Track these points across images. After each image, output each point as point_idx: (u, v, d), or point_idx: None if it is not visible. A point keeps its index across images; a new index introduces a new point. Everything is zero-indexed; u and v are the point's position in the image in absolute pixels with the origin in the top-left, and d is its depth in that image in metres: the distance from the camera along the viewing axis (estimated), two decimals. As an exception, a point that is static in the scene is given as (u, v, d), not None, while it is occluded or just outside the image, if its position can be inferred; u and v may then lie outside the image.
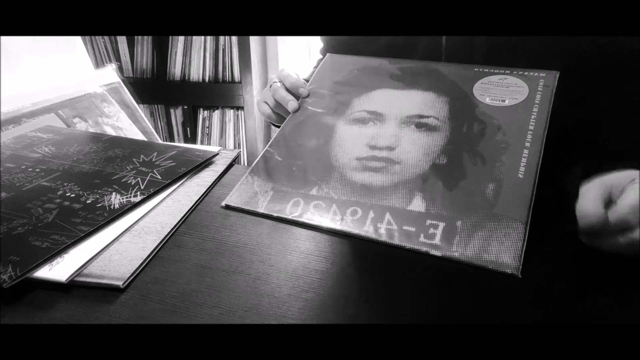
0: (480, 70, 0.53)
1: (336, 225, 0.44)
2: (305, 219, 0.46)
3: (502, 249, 0.39)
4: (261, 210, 0.48)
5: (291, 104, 0.58)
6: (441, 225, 0.42)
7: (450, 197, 0.44)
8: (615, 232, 0.37)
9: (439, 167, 0.46)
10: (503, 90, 0.50)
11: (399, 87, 0.55)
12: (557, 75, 0.50)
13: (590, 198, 0.38)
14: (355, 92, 0.56)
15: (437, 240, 0.41)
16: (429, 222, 0.42)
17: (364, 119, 0.53)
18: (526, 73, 0.51)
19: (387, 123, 0.52)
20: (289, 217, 0.46)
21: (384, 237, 0.42)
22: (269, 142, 0.55)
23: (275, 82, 0.62)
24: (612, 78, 0.57)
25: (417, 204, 0.44)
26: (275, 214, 0.47)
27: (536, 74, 0.51)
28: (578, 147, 0.57)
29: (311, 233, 0.44)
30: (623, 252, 0.37)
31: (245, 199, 0.49)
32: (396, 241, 0.42)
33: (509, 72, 0.52)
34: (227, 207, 0.49)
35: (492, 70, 0.53)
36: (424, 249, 0.41)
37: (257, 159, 0.53)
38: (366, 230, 0.43)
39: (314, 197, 0.48)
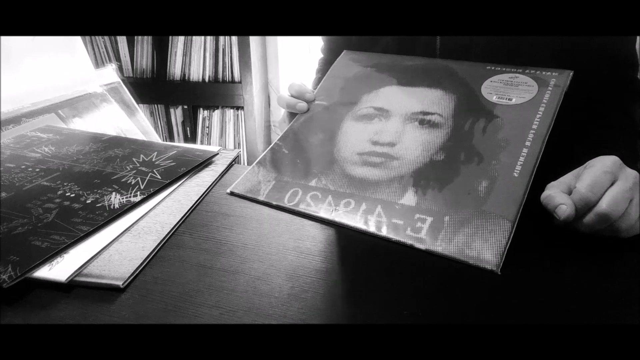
0: (492, 68, 0.53)
1: (329, 215, 0.46)
2: (301, 207, 0.47)
3: (485, 246, 0.39)
4: (261, 198, 0.50)
5: (299, 105, 0.58)
6: (429, 219, 0.42)
7: (442, 193, 0.44)
8: (581, 212, 0.40)
9: (435, 163, 0.47)
10: (512, 89, 0.50)
11: (408, 84, 0.55)
12: (571, 75, 0.49)
13: (551, 188, 0.42)
14: (365, 89, 0.57)
15: (422, 234, 0.41)
16: (417, 216, 0.43)
17: (370, 115, 0.54)
18: (538, 72, 0.51)
19: (392, 119, 0.52)
20: (287, 205, 0.48)
21: (372, 229, 0.43)
22: (279, 136, 0.57)
23: (280, 94, 0.63)
24: (609, 82, 0.58)
25: (409, 199, 0.45)
26: (274, 202, 0.49)
27: (548, 73, 0.50)
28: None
29: (311, 233, 0.44)
30: (599, 230, 0.40)
31: (249, 187, 0.51)
32: (383, 233, 0.43)
33: (520, 70, 0.51)
34: (232, 193, 0.51)
35: (503, 69, 0.52)
36: (409, 242, 0.41)
37: (266, 151, 0.55)
38: (356, 221, 0.44)
39: (312, 188, 0.49)
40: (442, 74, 0.54)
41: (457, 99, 0.51)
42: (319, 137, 0.54)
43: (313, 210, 0.47)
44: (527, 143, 0.45)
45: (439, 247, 0.40)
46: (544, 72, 0.50)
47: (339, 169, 0.50)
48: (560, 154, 0.48)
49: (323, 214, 0.46)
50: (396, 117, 0.52)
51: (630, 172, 0.41)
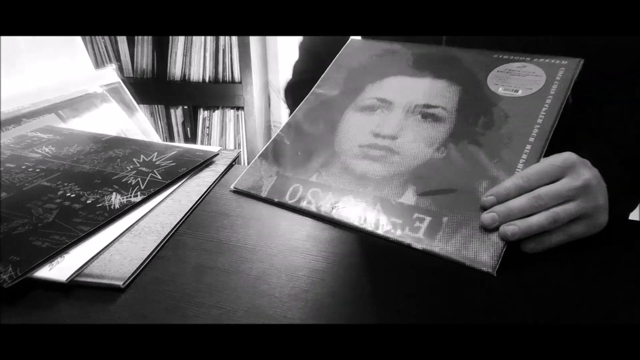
0: (500, 57, 0.51)
1: (329, 213, 0.46)
2: (302, 205, 0.47)
3: (482, 247, 0.39)
4: (264, 195, 0.50)
5: None
6: (427, 219, 0.42)
7: (442, 192, 0.44)
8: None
9: (436, 160, 0.46)
10: (519, 80, 0.48)
11: (413, 74, 0.54)
12: (581, 63, 0.47)
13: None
14: (369, 79, 0.56)
15: (420, 234, 0.41)
16: (416, 215, 0.43)
17: (373, 106, 0.53)
18: (547, 60, 0.49)
19: (394, 111, 0.51)
20: (288, 203, 0.48)
21: (371, 227, 0.43)
22: (281, 127, 0.56)
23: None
24: (616, 82, 0.57)
25: (409, 197, 0.44)
26: (276, 199, 0.49)
27: (557, 61, 0.48)
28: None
29: (311, 233, 0.44)
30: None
31: (252, 183, 0.52)
32: (382, 232, 0.43)
33: (529, 59, 0.50)
34: (236, 190, 0.52)
35: (511, 57, 0.50)
36: (407, 241, 0.41)
37: (268, 142, 0.55)
38: (356, 219, 0.44)
39: (313, 183, 0.49)
40: (448, 63, 0.53)
41: (462, 91, 0.50)
42: (320, 128, 0.54)
43: (314, 208, 0.47)
44: (531, 139, 0.44)
45: (436, 247, 0.40)
46: (553, 61, 0.48)
47: (339, 162, 0.49)
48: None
49: (324, 211, 0.46)
50: (399, 109, 0.51)
51: (583, 173, 0.39)
